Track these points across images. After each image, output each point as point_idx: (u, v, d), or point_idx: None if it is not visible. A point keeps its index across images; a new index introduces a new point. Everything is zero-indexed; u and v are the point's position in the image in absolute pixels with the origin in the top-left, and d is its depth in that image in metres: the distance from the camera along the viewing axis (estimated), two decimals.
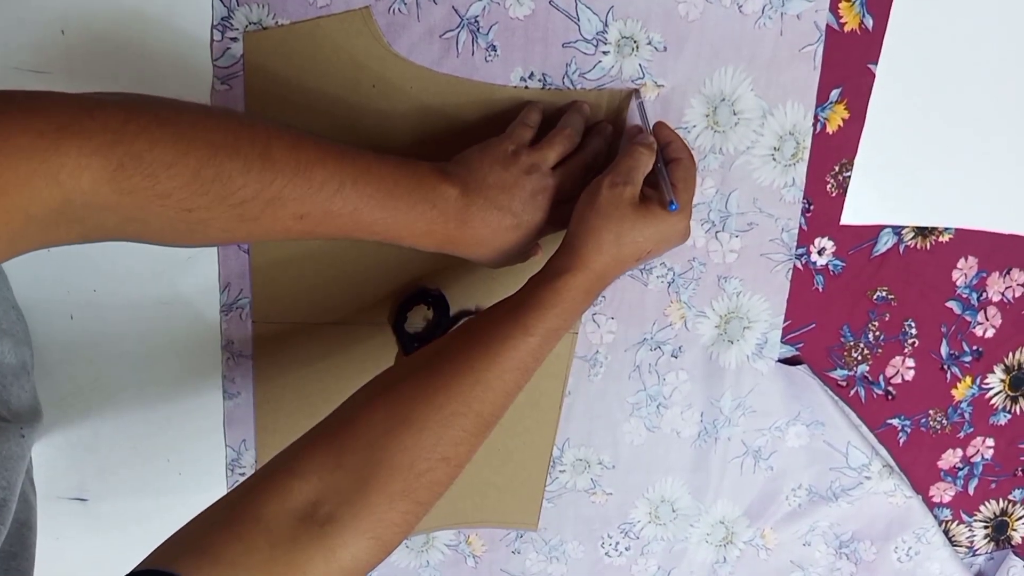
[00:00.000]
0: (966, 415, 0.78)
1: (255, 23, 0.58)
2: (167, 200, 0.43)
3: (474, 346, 0.51)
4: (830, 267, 0.71)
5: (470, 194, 0.54)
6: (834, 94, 0.66)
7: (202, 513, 0.45)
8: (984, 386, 0.77)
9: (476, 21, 0.60)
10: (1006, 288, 0.74)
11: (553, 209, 0.58)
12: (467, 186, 0.54)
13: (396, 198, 0.52)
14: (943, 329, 0.74)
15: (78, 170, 0.40)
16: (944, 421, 0.78)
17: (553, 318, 0.52)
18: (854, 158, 0.68)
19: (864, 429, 0.76)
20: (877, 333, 0.73)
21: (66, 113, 0.41)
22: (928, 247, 0.71)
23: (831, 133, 0.67)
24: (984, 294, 0.74)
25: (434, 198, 0.53)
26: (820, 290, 0.71)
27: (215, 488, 0.70)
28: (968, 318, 0.75)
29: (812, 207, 0.68)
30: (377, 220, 0.51)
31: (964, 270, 0.73)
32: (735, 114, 0.64)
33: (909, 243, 0.71)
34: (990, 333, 0.75)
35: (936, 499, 0.80)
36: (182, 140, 0.43)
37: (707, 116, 0.64)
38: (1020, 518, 0.83)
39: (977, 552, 0.84)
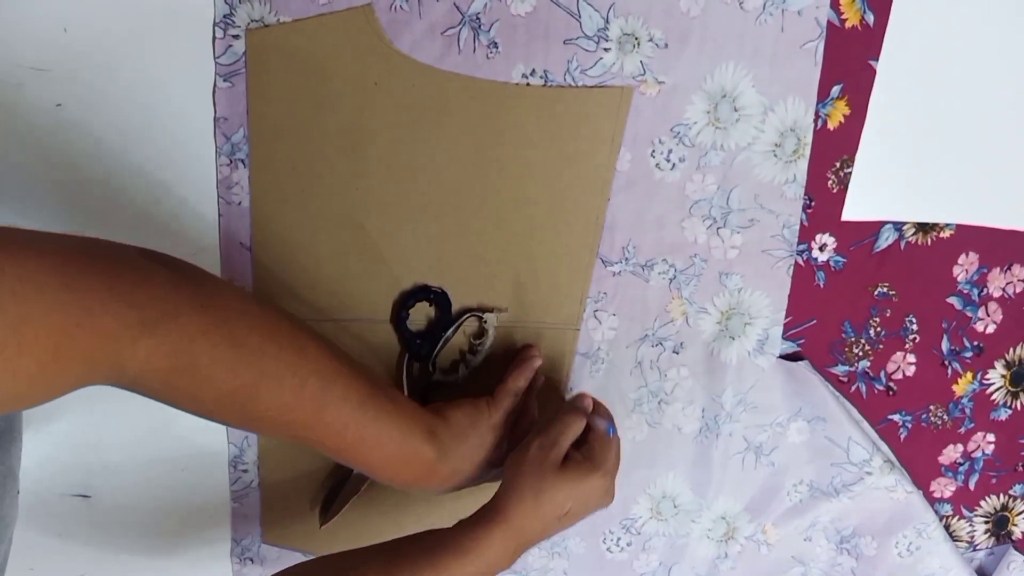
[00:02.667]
0: (967, 411, 0.78)
1: (257, 20, 0.58)
2: (193, 402, 0.46)
3: (389, 573, 0.53)
4: (831, 263, 0.71)
5: (446, 459, 0.58)
6: (835, 90, 0.66)
7: None
8: (985, 382, 0.77)
9: (477, 18, 0.60)
10: (1007, 284, 0.74)
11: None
12: (447, 454, 0.58)
13: (378, 448, 0.55)
14: (944, 325, 0.75)
15: (144, 365, 0.42)
16: (945, 417, 0.78)
17: (466, 565, 0.54)
18: (855, 154, 0.68)
19: (865, 425, 0.76)
20: (878, 329, 0.74)
21: (156, 308, 0.42)
22: (929, 243, 0.72)
23: (832, 129, 0.67)
24: (985, 290, 0.74)
25: (410, 457, 0.56)
26: (821, 286, 0.71)
27: (217, 485, 0.70)
28: (969, 314, 0.75)
29: (813, 203, 0.68)
30: (352, 453, 0.54)
31: (965, 266, 0.73)
32: (736, 110, 0.65)
33: (910, 239, 0.71)
34: (991, 329, 0.76)
35: (937, 494, 0.81)
36: (240, 364, 0.46)
37: (708, 112, 0.64)
38: (1020, 513, 0.83)
39: (977, 547, 0.84)
